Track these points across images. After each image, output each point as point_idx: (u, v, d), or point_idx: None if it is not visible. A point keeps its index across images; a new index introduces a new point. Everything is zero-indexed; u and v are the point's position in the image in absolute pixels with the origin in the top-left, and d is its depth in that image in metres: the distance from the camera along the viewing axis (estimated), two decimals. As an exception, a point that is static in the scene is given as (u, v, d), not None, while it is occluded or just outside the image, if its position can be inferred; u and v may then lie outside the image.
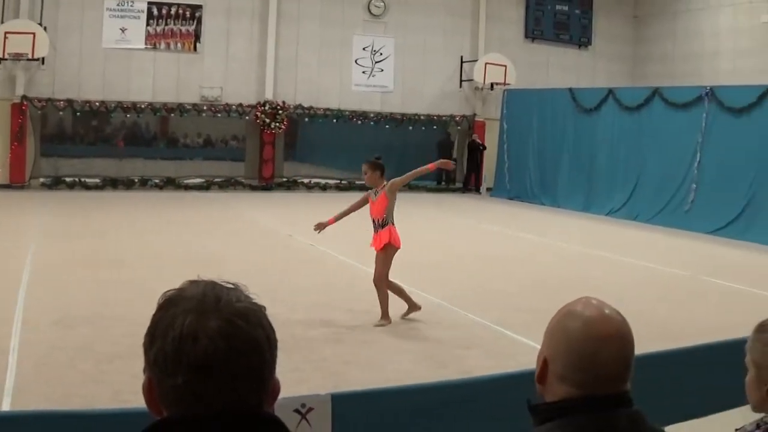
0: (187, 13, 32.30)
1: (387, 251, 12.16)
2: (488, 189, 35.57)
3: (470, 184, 36.38)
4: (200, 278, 2.07)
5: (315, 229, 12.78)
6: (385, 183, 12.29)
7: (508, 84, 35.45)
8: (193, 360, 1.90)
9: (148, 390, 1.99)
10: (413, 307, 12.28)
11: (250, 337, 1.95)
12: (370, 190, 12.41)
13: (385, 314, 11.93)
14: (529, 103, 33.47)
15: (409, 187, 34.52)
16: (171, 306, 1.98)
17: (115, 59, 31.27)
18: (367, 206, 12.51)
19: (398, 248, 12.26)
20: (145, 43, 31.77)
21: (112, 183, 31.18)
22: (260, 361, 1.96)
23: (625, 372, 2.50)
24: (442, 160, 13.07)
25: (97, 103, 30.82)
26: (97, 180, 31.10)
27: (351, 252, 17.93)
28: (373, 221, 12.34)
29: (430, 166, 12.89)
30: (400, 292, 12.23)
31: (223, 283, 2.04)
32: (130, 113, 31.76)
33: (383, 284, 12.08)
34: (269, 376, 2.01)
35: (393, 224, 12.25)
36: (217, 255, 17.03)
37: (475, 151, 36.30)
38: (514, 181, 34.02)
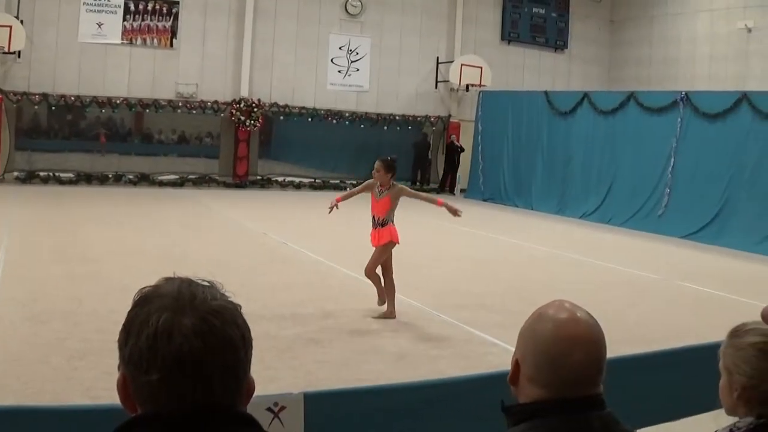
0: (164, 9, 32.22)
1: (386, 247, 12.49)
2: (462, 190, 35.63)
3: (446, 185, 36.45)
4: (176, 275, 2.07)
5: (329, 211, 12.90)
6: (393, 185, 12.48)
7: (484, 86, 35.51)
8: (168, 357, 1.89)
9: (123, 387, 1.99)
10: (387, 308, 12.39)
11: (225, 336, 1.95)
12: (373, 184, 12.49)
13: (382, 299, 12.51)
14: (504, 105, 33.51)
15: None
16: (146, 303, 1.98)
17: (91, 54, 31.16)
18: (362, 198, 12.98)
19: (397, 243, 12.65)
20: (122, 39, 31.63)
21: (86, 178, 31.08)
22: (235, 359, 1.97)
23: (597, 375, 2.50)
24: (451, 206, 12.93)
25: (73, 98, 30.70)
26: (72, 175, 30.96)
27: (325, 251, 17.98)
28: (374, 218, 12.59)
29: (439, 202, 12.92)
30: (378, 285, 12.53)
31: (198, 281, 2.05)
32: (106, 108, 31.54)
33: (373, 275, 12.49)
34: (244, 374, 2.01)
35: (393, 223, 12.66)
36: (190, 252, 17.01)
37: (453, 153, 36.39)
38: (488, 182, 34.05)
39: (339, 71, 35.58)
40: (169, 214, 23.53)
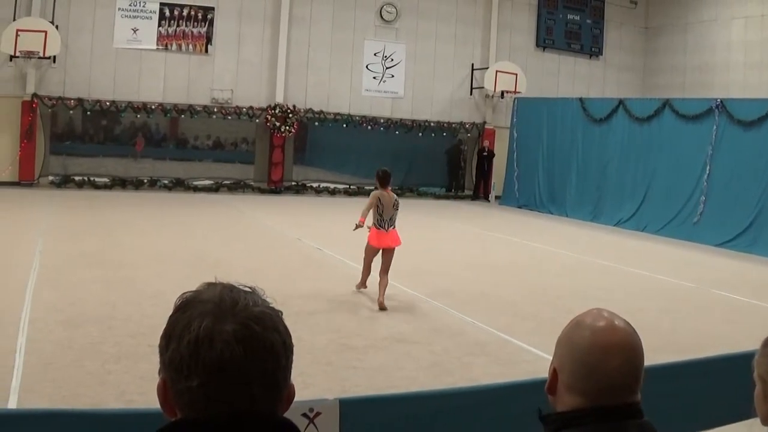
0: (199, 15, 32.34)
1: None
2: (497, 197, 35.60)
3: (479, 191, 36.41)
4: (217, 281, 2.08)
5: (354, 229, 14.01)
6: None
7: (519, 92, 35.47)
8: (209, 364, 1.90)
9: (163, 391, 2.00)
10: (363, 284, 14.44)
11: (267, 342, 1.95)
12: (378, 191, 14.06)
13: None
14: (539, 112, 33.42)
15: (418, 194, 34.75)
16: (188, 308, 1.98)
17: (126, 59, 31.31)
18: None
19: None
20: (157, 44, 31.80)
21: (121, 183, 31.21)
22: (276, 366, 1.97)
23: (634, 383, 2.50)
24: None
25: (108, 103, 30.83)
26: (106, 179, 31.11)
27: (359, 257, 17.92)
28: (391, 218, 14.05)
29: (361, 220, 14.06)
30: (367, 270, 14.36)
31: (240, 287, 2.05)
32: (141, 113, 31.71)
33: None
34: (284, 381, 2.01)
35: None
36: (224, 257, 17.04)
37: (483, 159, 36.35)
38: (523, 189, 33.97)
39: (374, 77, 35.60)
40: (203, 220, 23.57)
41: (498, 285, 15.89)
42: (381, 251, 13.94)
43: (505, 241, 22.66)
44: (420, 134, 36.04)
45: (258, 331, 1.94)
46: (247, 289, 2.05)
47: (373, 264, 14.13)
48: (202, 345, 1.91)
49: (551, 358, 2.64)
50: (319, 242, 19.92)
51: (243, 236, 20.78)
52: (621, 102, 29.66)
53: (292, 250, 18.88)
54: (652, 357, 8.06)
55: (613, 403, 2.46)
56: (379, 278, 13.60)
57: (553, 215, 31.02)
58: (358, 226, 13.93)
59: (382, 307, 13.11)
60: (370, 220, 13.97)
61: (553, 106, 33.19)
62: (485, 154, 36.25)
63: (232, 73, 33.02)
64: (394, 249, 13.91)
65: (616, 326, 2.54)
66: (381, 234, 13.95)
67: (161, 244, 18.40)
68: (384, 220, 13.94)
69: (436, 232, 24.05)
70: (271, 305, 2.04)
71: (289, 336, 2.04)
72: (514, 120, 34.82)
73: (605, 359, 2.46)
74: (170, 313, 2.02)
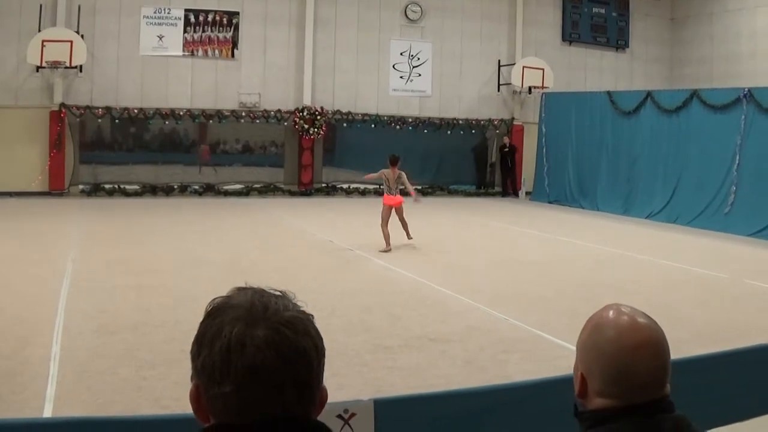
0: (224, 20, 32.43)
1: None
2: (527, 193, 35.57)
3: (508, 188, 36.34)
4: (248, 285, 2.08)
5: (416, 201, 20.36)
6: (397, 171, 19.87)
7: (546, 87, 35.39)
8: (241, 369, 1.91)
9: (196, 397, 2.01)
10: (387, 244, 19.02)
11: (298, 346, 1.95)
12: (387, 170, 19.96)
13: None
14: (567, 107, 33.32)
15: (449, 192, 34.73)
16: (219, 314, 1.99)
17: (153, 66, 31.47)
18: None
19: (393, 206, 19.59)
20: (183, 50, 31.92)
21: (151, 189, 31.39)
22: (308, 370, 1.98)
23: (664, 377, 2.50)
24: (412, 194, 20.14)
25: (136, 110, 31.00)
26: (137, 186, 31.28)
27: (391, 257, 18.01)
28: (394, 188, 19.68)
29: (411, 192, 20.00)
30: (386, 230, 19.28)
31: (270, 291, 2.06)
32: (169, 120, 31.86)
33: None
34: (317, 385, 2.02)
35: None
36: (257, 261, 17.11)
37: (506, 155, 36.30)
38: (553, 184, 33.92)
39: (401, 77, 35.61)
40: (235, 224, 23.60)
41: (531, 281, 15.84)
42: (393, 209, 19.39)
43: (537, 237, 22.60)
44: (448, 132, 36.06)
45: (289, 335, 1.95)
46: (278, 293, 2.06)
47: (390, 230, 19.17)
48: (233, 351, 1.92)
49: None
50: (351, 243, 19.95)
51: (274, 239, 20.83)
52: (649, 94, 29.51)
53: (323, 252, 18.90)
54: (687, 349, 8.03)
55: (644, 399, 2.45)
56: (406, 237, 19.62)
57: (585, 209, 30.91)
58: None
59: (410, 237, 19.65)
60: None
61: (581, 100, 33.08)
62: (506, 150, 36.23)
63: (259, 77, 33.10)
64: (400, 205, 19.55)
65: (640, 324, 2.52)
66: (388, 197, 19.49)
67: (193, 250, 18.44)
68: (390, 188, 19.58)
69: (467, 230, 24.03)
70: (302, 309, 2.05)
71: (321, 339, 2.04)
72: (543, 115, 34.73)
73: (634, 360, 2.46)
74: (201, 320, 2.03)
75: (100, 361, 9.64)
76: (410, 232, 19.71)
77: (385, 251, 18.71)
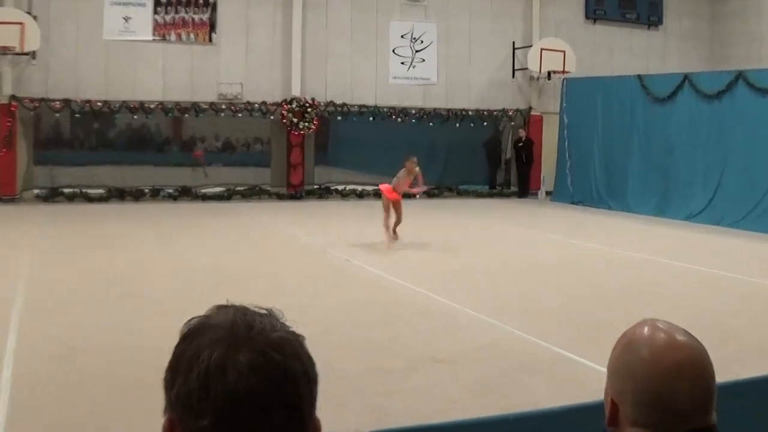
0: (201, 0, 32.37)
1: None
2: (548, 193, 35.61)
3: (525, 187, 36.27)
4: (229, 302, 2.06)
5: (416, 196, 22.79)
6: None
7: (568, 72, 35.30)
8: (222, 398, 1.86)
9: None
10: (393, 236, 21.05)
11: (287, 372, 1.92)
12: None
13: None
14: (592, 93, 33.27)
15: (458, 193, 34.74)
16: (196, 336, 1.96)
17: (119, 53, 31.29)
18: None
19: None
20: (153, 35, 31.80)
21: (118, 194, 31.27)
22: (298, 398, 1.94)
23: (709, 402, 2.45)
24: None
25: (99, 103, 30.84)
26: (101, 191, 31.12)
27: (393, 267, 17.95)
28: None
29: (414, 191, 22.66)
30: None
31: (255, 309, 2.03)
32: (138, 114, 31.77)
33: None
34: (309, 415, 1.98)
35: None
36: (241, 273, 17.03)
37: (521, 150, 36.33)
38: (577, 182, 33.89)
39: (402, 63, 35.55)
40: (216, 231, 23.66)
41: (553, 292, 15.78)
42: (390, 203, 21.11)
43: (559, 243, 22.60)
44: (457, 125, 36.12)
45: (277, 359, 1.92)
46: (263, 312, 2.03)
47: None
48: (213, 377, 1.88)
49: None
50: (348, 252, 19.96)
51: (260, 248, 20.86)
52: (686, 77, 29.38)
53: (317, 262, 18.90)
54: (733, 370, 7.98)
55: (684, 429, 2.40)
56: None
57: (614, 211, 30.84)
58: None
59: (395, 236, 21.09)
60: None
61: (607, 85, 33.02)
62: (522, 144, 36.26)
63: (241, 64, 33.07)
64: (399, 202, 21.26)
65: (679, 342, 2.48)
66: (390, 190, 21.15)
67: (167, 261, 18.46)
68: (400, 183, 21.41)
69: (478, 235, 24.05)
70: (291, 329, 2.01)
71: (313, 364, 2.01)
72: (564, 104, 34.74)
73: (671, 384, 2.41)
74: (176, 343, 2.00)
75: (57, 386, 9.54)
76: (397, 234, 21.23)
77: (391, 245, 20.67)
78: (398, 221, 21.10)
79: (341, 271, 17.85)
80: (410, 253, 19.73)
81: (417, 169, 21.59)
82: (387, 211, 21.06)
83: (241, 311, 2.01)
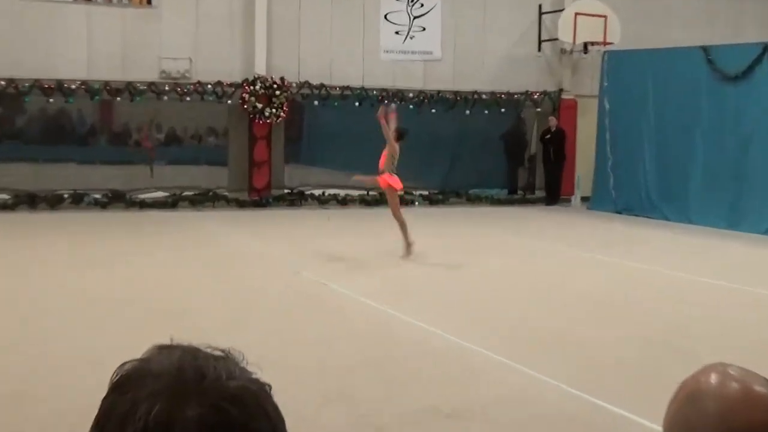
0: (137, -50, 32.34)
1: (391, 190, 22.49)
2: (584, 199, 35.69)
3: (557, 192, 36.30)
4: (173, 342, 2.02)
5: (377, 115, 22.99)
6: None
7: (610, 43, 35.30)
8: None
9: None
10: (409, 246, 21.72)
11: (249, 431, 1.90)
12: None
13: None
14: (641, 71, 33.30)
15: (468, 200, 34.81)
16: (131, 386, 1.91)
17: (29, 17, 31.10)
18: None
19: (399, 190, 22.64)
20: (74, -6, 31.78)
21: (28, 200, 31.07)
22: None
23: None
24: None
25: (3, 82, 30.71)
26: (5, 196, 31.00)
27: (382, 293, 17.96)
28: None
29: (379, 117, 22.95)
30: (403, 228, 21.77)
31: (207, 351, 2.00)
32: (54, 97, 31.52)
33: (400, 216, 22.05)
34: None
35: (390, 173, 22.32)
36: (187, 303, 16.95)
37: (549, 144, 36.46)
38: (621, 186, 33.94)
39: (397, 32, 35.49)
40: (156, 248, 23.67)
41: (590, 328, 15.74)
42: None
43: (598, 263, 22.64)
44: (467, 112, 36.20)
45: (236, 415, 1.88)
46: (219, 354, 1.99)
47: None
48: None
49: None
50: (326, 274, 19.97)
51: (214, 270, 20.75)
52: (766, 48, 29.46)
53: (286, 288, 18.87)
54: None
55: None
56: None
57: (670, 222, 30.89)
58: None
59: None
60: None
61: (662, 60, 33.01)
62: (549, 137, 36.42)
63: (190, 33, 32.98)
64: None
65: (757, 394, 2.39)
66: (391, 177, 22.23)
67: (93, 287, 18.33)
68: (393, 165, 22.26)
69: (494, 253, 24.00)
70: (254, 377, 1.98)
71: (282, 421, 1.98)
72: (605, 84, 34.73)
73: None
74: (104, 394, 1.97)
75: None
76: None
77: (409, 251, 21.90)
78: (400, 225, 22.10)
79: (318, 299, 17.79)
80: (407, 275, 19.77)
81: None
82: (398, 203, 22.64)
83: (190, 354, 1.98)
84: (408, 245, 21.79)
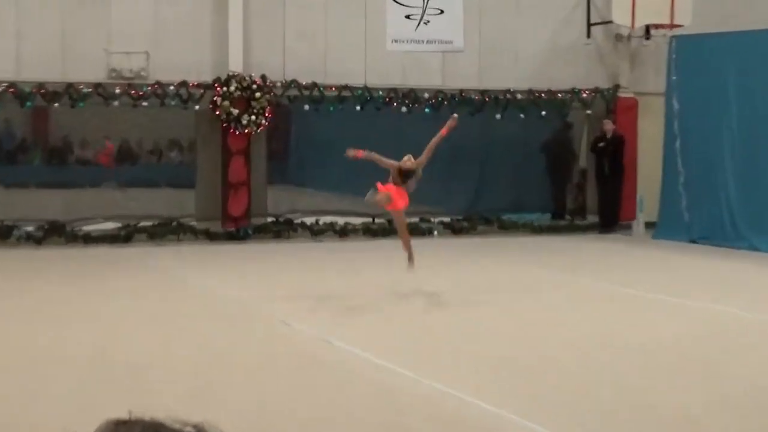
0: None
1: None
2: (649, 225, 35.67)
3: (614, 216, 36.32)
4: (132, 416, 1.86)
5: (346, 154, 23.16)
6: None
7: (679, 26, 35.30)
8: None
9: None
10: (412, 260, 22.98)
11: None
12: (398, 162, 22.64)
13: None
14: (721, 60, 33.35)
15: (502, 227, 34.89)
16: None
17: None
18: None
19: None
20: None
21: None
22: None
23: None
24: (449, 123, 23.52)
25: None
26: None
27: (392, 349, 17.83)
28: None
29: (443, 132, 23.34)
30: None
31: (175, 426, 1.84)
32: (-27, 103, 31.81)
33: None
34: None
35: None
36: (146, 365, 16.87)
37: (602, 154, 36.36)
38: (696, 208, 33.92)
39: (408, 16, 35.50)
40: (106, 295, 23.58)
41: (658, 388, 15.66)
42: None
43: (667, 306, 22.58)
44: (498, 116, 36.29)
45: None
46: (189, 430, 1.83)
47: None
48: None
49: None
50: (323, 325, 19.86)
51: (181, 322, 20.66)
52: None
53: (272, 343, 18.82)
54: None
55: None
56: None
57: (761, 252, 30.90)
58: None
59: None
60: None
61: (747, 45, 33.12)
62: (602, 145, 36.36)
63: (147, 23, 33.09)
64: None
65: None
66: (397, 190, 22.84)
67: (30, 342, 18.31)
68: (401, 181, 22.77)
69: (537, 297, 23.90)
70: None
71: None
72: (673, 77, 34.70)
73: None
74: None
75: None
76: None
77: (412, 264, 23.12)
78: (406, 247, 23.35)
79: (312, 358, 17.65)
80: (424, 325, 19.64)
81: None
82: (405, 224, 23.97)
83: (152, 429, 1.82)
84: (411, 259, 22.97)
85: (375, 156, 23.27)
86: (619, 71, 37.27)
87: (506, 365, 16.81)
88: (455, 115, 24.75)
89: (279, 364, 17.25)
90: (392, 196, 22.57)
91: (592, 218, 36.86)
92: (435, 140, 23.24)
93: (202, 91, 33.05)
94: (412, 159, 22.73)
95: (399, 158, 21.73)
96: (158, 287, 24.77)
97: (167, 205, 33.69)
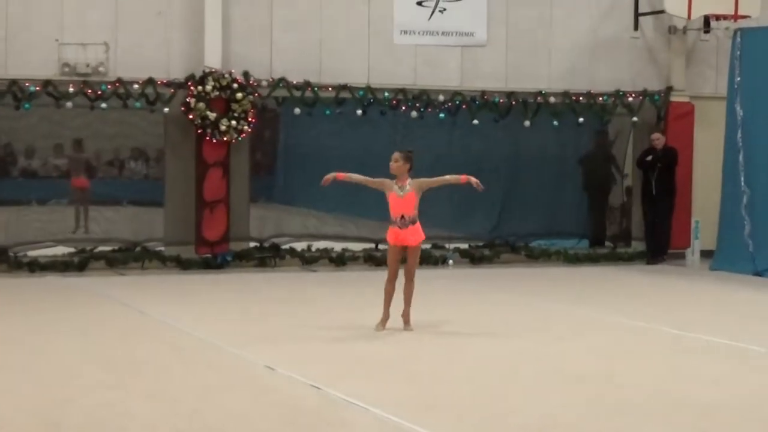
0: None
1: (419, 246, 23.34)
2: (705, 254, 35.35)
3: (664, 244, 35.94)
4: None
5: (323, 183, 22.66)
6: (410, 180, 22.65)
7: (745, 17, 35.06)
8: None
9: None
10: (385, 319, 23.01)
11: None
12: (390, 180, 22.62)
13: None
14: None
15: (530, 256, 34.72)
16: None
17: None
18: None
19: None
20: None
21: None
22: None
23: None
24: (475, 179, 23.25)
25: None
26: None
27: (396, 400, 17.42)
28: (402, 217, 22.59)
29: (462, 178, 23.39)
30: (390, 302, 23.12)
31: None
32: None
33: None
34: None
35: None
36: (104, 422, 16.56)
37: (650, 170, 35.98)
38: (762, 235, 33.67)
39: (420, 3, 35.35)
40: (55, 334, 23.31)
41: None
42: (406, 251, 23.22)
43: (728, 351, 22.19)
44: (527, 123, 36.15)
45: None
46: None
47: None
48: None
49: None
50: (316, 371, 19.48)
51: (145, 368, 20.30)
52: None
53: (257, 394, 18.40)
54: None
55: None
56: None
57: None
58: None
59: (407, 323, 22.91)
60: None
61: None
62: (649, 159, 36.26)
63: (106, 10, 32.93)
64: (418, 245, 23.24)
65: None
66: (395, 230, 22.89)
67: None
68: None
69: (572, 340, 23.68)
70: None
71: None
72: (738, 79, 34.39)
73: None
74: None
75: None
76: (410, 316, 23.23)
77: (379, 329, 22.91)
78: (409, 289, 23.10)
79: (303, 411, 17.24)
80: (436, 372, 19.26)
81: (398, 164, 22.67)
82: (396, 270, 22.98)
83: None
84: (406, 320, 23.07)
85: (358, 178, 23.13)
86: (671, 71, 37.07)
87: (543, 425, 16.44)
88: (480, 185, 23.77)
89: (262, 417, 16.87)
90: (396, 238, 22.78)
91: (638, 246, 36.66)
92: (451, 179, 23.55)
93: (172, 90, 32.98)
94: (400, 159, 22.44)
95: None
96: (118, 326, 24.45)
97: (130, 226, 33.52)
